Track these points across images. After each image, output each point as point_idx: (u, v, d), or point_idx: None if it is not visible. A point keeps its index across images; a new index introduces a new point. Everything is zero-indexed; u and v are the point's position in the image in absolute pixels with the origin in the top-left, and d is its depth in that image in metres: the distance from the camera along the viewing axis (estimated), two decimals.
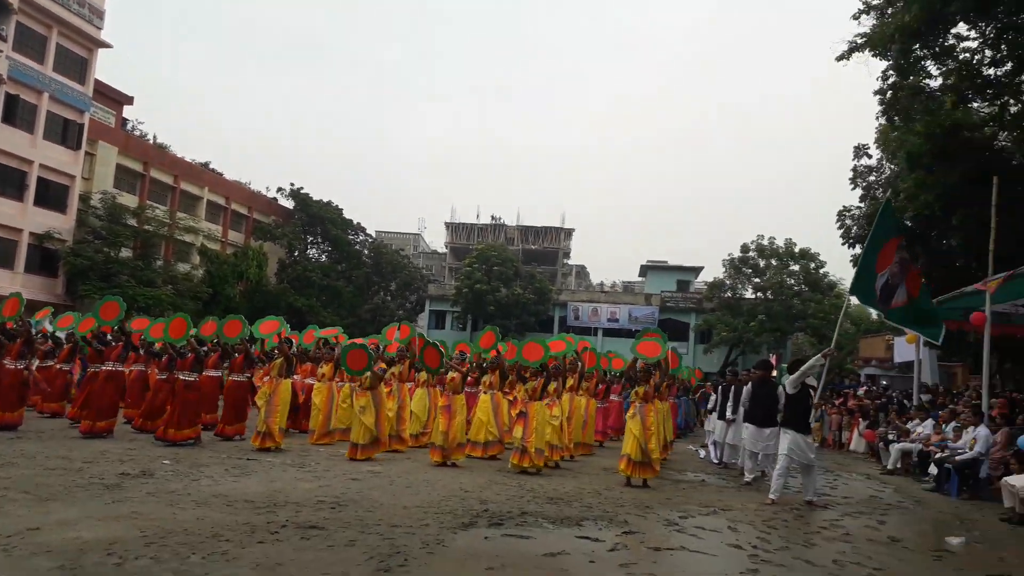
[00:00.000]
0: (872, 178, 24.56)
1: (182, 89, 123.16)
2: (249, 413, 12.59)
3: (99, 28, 33.06)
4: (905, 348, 20.62)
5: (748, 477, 10.87)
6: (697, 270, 55.08)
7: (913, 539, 7.47)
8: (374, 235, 54.14)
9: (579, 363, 13.24)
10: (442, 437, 10.49)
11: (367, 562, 5.25)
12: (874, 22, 18.63)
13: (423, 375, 12.73)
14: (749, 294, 44.74)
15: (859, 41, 18.36)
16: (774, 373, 11.80)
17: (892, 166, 23.40)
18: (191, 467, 8.92)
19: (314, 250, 47.93)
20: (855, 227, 22.53)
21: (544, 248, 62.15)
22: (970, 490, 10.57)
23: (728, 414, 12.60)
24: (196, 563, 4.98)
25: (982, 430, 10.76)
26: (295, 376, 13.04)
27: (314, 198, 46.12)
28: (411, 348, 13.01)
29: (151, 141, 41.92)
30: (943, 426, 12.70)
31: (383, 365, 12.04)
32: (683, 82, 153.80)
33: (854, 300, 13.18)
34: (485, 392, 11.69)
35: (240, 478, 8.45)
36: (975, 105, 19.18)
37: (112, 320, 12.94)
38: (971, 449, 10.74)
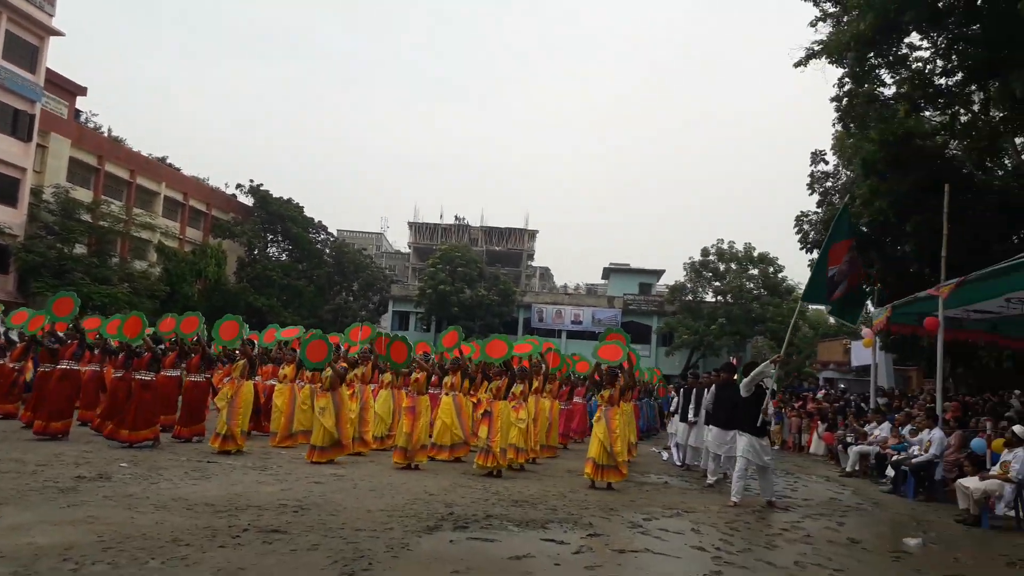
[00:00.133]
0: (829, 184, 24.99)
1: (138, 81, 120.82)
2: (207, 415, 12.39)
3: (50, 15, 32.14)
4: (862, 352, 21.09)
5: (711, 479, 10.98)
6: (659, 273, 55.63)
7: (872, 540, 7.61)
8: (336, 234, 53.69)
9: (543, 364, 13.26)
10: (405, 438, 10.40)
11: (331, 566, 5.18)
12: (830, 30, 19.01)
13: (387, 376, 12.64)
14: (710, 297, 45.33)
15: (816, 48, 18.70)
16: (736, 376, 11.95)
17: (848, 172, 23.85)
18: (150, 470, 8.74)
19: (274, 249, 47.31)
20: (812, 232, 22.93)
21: (508, 249, 62.19)
22: (926, 492, 10.82)
23: (690, 416, 12.71)
24: (155, 568, 4.87)
25: (936, 433, 11.02)
26: (256, 377, 12.85)
27: (274, 195, 45.56)
28: (375, 349, 12.92)
29: (106, 134, 41.00)
30: (899, 429, 12.97)
31: (344, 364, 11.91)
32: (647, 88, 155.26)
33: (813, 306, 13.46)
34: (447, 394, 11.58)
35: (200, 481, 8.29)
36: (927, 114, 19.66)
37: (66, 316, 12.62)
38: (926, 452, 10.98)
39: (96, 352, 13.29)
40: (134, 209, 36.99)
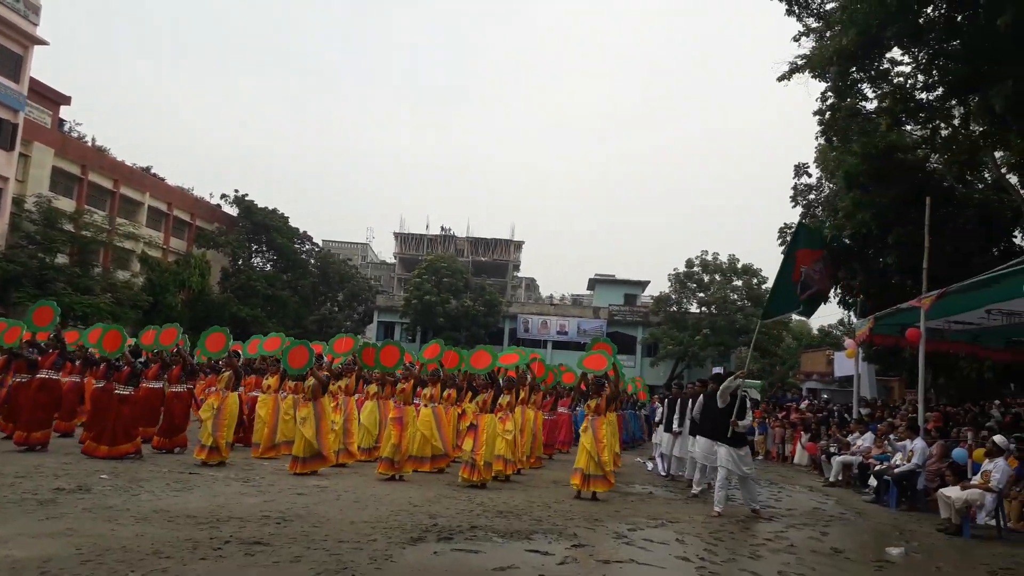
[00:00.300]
0: (812, 196, 25.21)
1: (123, 90, 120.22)
2: (188, 425, 12.28)
3: (35, 24, 31.94)
4: (845, 363, 21.20)
5: (696, 489, 11.00)
6: (644, 284, 55.82)
7: (855, 550, 7.64)
8: (321, 244, 53.52)
9: (528, 375, 13.26)
10: (392, 449, 10.35)
11: None
12: (813, 44, 19.23)
13: (372, 388, 12.59)
14: (694, 308, 45.51)
15: (799, 63, 18.91)
16: None
17: (831, 185, 24.06)
18: (130, 482, 8.64)
19: (259, 259, 47.07)
20: None
21: (494, 260, 62.22)
22: (908, 501, 10.89)
23: (675, 426, 12.74)
24: None
25: (918, 443, 11.09)
26: (240, 388, 12.76)
27: (259, 206, 45.37)
28: (359, 359, 12.88)
29: (89, 143, 40.70)
30: (883, 439, 13.04)
31: (326, 372, 11.84)
32: (634, 103, 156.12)
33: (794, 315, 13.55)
34: (426, 405, 11.45)
35: (182, 493, 8.21)
36: (908, 128, 19.89)
37: (46, 326, 12.49)
38: (908, 462, 11.06)
39: (77, 363, 13.16)
40: (117, 219, 36.72)
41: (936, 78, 17.41)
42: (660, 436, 14.03)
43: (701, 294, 44.88)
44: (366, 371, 13.19)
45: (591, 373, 11.06)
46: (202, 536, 6.13)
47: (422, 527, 7.10)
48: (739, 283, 44.36)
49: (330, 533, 6.57)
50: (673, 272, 45.30)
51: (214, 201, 46.48)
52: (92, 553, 5.39)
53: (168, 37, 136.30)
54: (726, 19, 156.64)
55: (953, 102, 18.05)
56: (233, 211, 45.81)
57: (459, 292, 46.11)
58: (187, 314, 36.74)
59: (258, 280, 43.19)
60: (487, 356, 11.87)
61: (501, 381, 11.24)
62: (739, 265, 44.33)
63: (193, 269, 39.97)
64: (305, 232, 48.38)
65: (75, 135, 40.46)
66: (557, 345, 49.11)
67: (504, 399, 10.77)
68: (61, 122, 38.00)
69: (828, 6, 19.00)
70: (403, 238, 63.36)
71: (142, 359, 12.05)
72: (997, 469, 8.93)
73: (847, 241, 19.65)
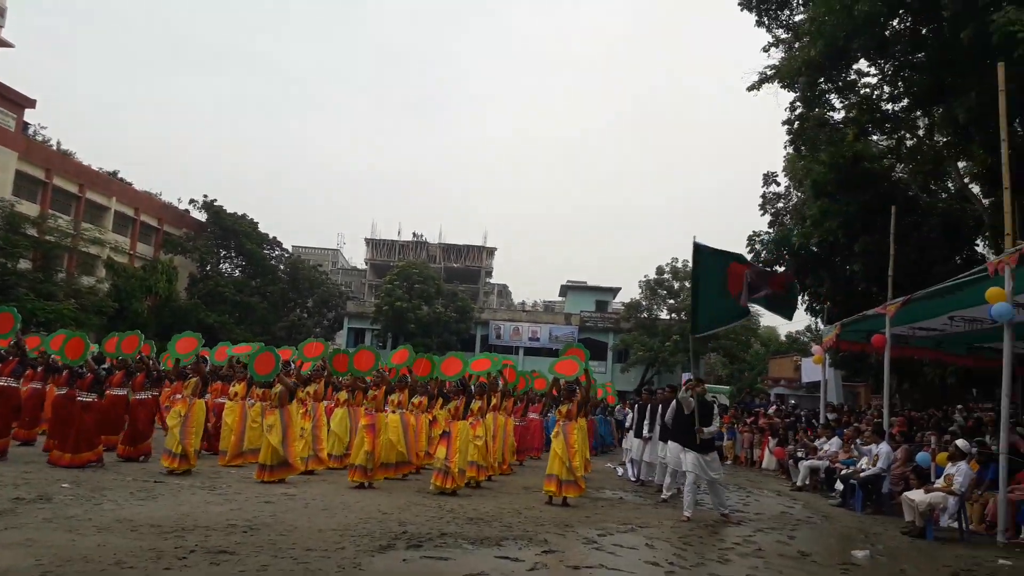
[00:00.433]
0: (780, 205, 25.58)
1: (89, 94, 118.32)
2: (153, 433, 12.09)
3: None
4: (812, 369, 21.48)
5: (665, 494, 11.05)
6: (615, 291, 56.09)
7: (821, 553, 7.72)
8: (291, 250, 53.08)
9: (499, 380, 13.23)
10: (365, 456, 10.25)
11: None
12: (783, 55, 19.53)
13: (342, 395, 12.48)
14: (664, 315, 45.77)
15: (769, 73, 19.20)
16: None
17: (799, 194, 24.42)
18: (93, 491, 8.47)
19: (227, 265, 46.58)
20: (764, 251, 23.36)
21: (466, 266, 62.18)
22: (873, 505, 11.03)
23: (645, 432, 12.79)
24: None
25: (883, 447, 11.26)
26: (207, 395, 12.58)
27: (228, 211, 44.92)
28: (329, 365, 12.77)
29: (55, 147, 39.98)
30: (850, 444, 13.20)
31: (294, 379, 11.70)
32: (605, 110, 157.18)
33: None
34: (393, 411, 11.34)
35: (146, 502, 8.07)
36: (875, 138, 20.29)
37: (6, 333, 12.21)
38: (874, 466, 11.21)
39: (39, 369, 12.89)
40: (83, 224, 36.09)
41: (901, 89, 17.79)
42: (630, 441, 14.07)
43: (671, 301, 45.12)
44: (336, 377, 13.08)
45: (563, 379, 11.08)
46: (166, 546, 6.03)
47: (391, 534, 7.04)
48: None
49: (297, 541, 6.49)
50: (644, 279, 45.57)
51: (182, 206, 46.02)
52: (52, 564, 5.27)
53: (135, 42, 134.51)
54: (698, 30, 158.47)
55: (918, 113, 18.45)
56: (202, 216, 45.37)
57: (431, 298, 45.97)
58: (153, 320, 36.22)
59: (226, 286, 42.76)
60: (458, 362, 11.86)
61: (472, 387, 11.21)
62: None
63: (160, 275, 39.48)
64: (275, 237, 48.06)
65: (40, 139, 39.72)
66: (529, 351, 49.17)
67: (475, 405, 10.74)
68: (26, 125, 37.27)
69: (797, 17, 19.35)
70: (374, 244, 63.10)
71: (105, 366, 11.84)
72: (959, 473, 9.08)
73: (815, 249, 19.94)
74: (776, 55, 20.06)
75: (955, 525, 9.18)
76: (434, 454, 10.73)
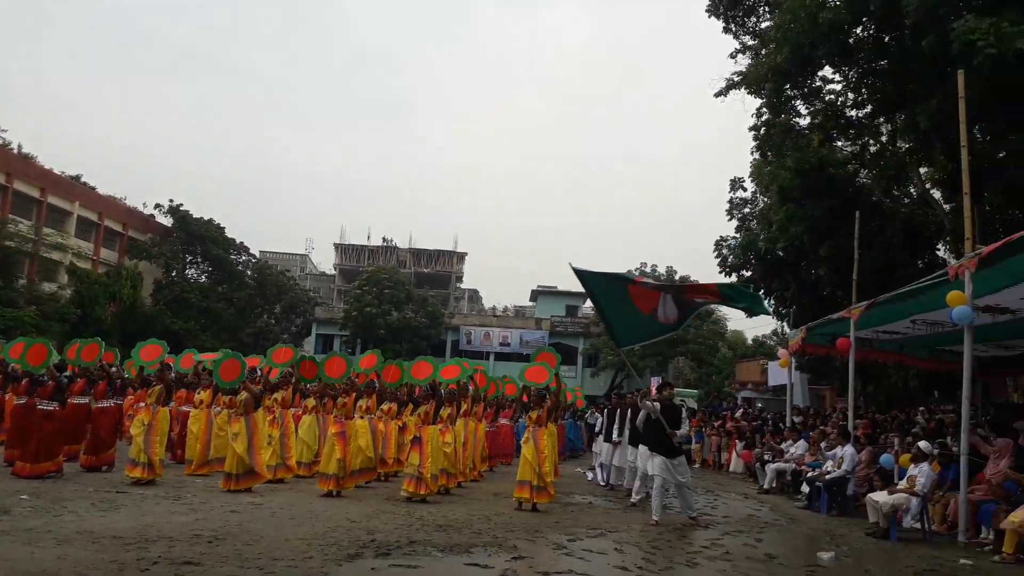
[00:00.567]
0: (747, 210, 25.79)
1: (51, 96, 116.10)
2: (117, 442, 11.85)
3: None
4: (778, 372, 21.64)
5: (634, 498, 11.07)
6: (585, 296, 56.11)
7: (788, 555, 7.79)
8: (258, 255, 52.51)
9: (470, 386, 13.16)
10: (337, 465, 10.11)
11: None
12: (750, 62, 19.78)
13: (310, 401, 12.33)
14: None
15: (736, 79, 19.43)
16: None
17: (765, 199, 24.66)
18: (53, 502, 8.28)
19: (193, 270, 45.92)
20: (731, 256, 23.57)
21: (437, 272, 61.94)
22: (839, 507, 11.16)
23: (614, 436, 12.82)
24: None
25: (848, 449, 11.40)
26: (171, 403, 12.35)
27: (195, 216, 44.31)
28: (297, 371, 12.62)
29: (15, 150, 39.16)
30: (816, 447, 13.35)
31: (260, 386, 11.54)
32: (574, 116, 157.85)
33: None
34: (361, 417, 11.20)
35: (108, 513, 7.90)
36: (839, 144, 20.58)
37: None
38: (839, 468, 11.34)
39: None
40: (44, 229, 35.37)
41: (865, 96, 18.10)
42: (600, 446, 14.10)
43: None
44: (304, 384, 12.93)
45: (533, 386, 11.07)
46: (128, 558, 5.90)
47: (359, 543, 6.97)
48: None
49: (264, 551, 6.40)
50: None
51: (148, 211, 45.33)
52: None
53: (98, 44, 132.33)
54: (666, 37, 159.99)
55: (881, 119, 18.77)
56: (167, 221, 44.68)
57: (401, 304, 45.70)
58: (117, 327, 35.58)
59: (192, 292, 42.14)
60: (428, 366, 11.78)
61: (443, 392, 11.15)
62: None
63: (124, 281, 38.79)
64: (242, 243, 47.47)
65: (0, 142, 38.89)
66: (500, 356, 49.06)
67: (445, 411, 10.68)
68: None
69: (763, 24, 19.61)
70: (343, 249, 62.61)
71: (67, 373, 11.59)
72: (922, 474, 9.22)
73: (780, 254, 20.17)
74: (743, 61, 20.34)
75: (918, 526, 9.32)
76: (406, 460, 10.65)
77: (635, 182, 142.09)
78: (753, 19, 20.28)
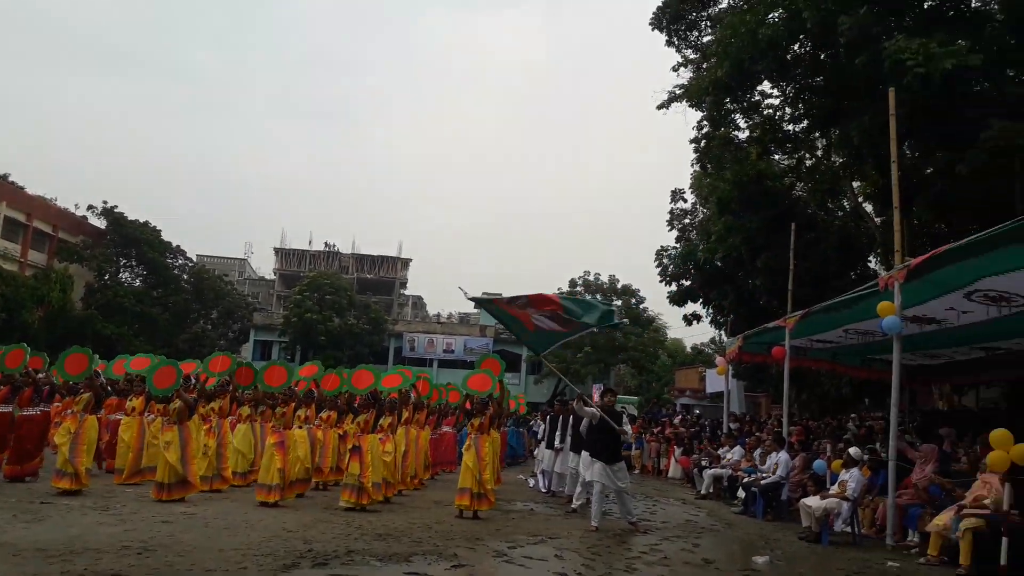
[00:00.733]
0: (687, 221, 26.31)
1: None
2: (43, 452, 11.38)
3: None
4: (716, 379, 22.07)
5: (575, 504, 11.12)
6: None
7: (724, 560, 7.93)
8: (195, 259, 51.29)
9: (412, 394, 13.05)
10: (279, 475, 9.87)
11: None
12: (691, 75, 20.18)
13: (245, 410, 12.03)
14: None
15: (678, 92, 19.80)
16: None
17: (704, 210, 25.19)
18: None
19: (127, 274, 44.65)
20: (671, 266, 23.98)
21: (380, 278, 61.44)
22: (773, 512, 11.41)
23: (556, 443, 12.86)
24: None
25: (783, 455, 11.67)
26: (100, 411, 11.90)
27: (130, 218, 43.12)
28: (234, 379, 12.32)
29: None
30: (751, 453, 13.63)
31: (194, 395, 11.21)
32: (518, 122, 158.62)
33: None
34: (300, 426, 10.95)
35: (31, 524, 7.56)
36: (776, 157, 21.15)
37: None
38: (773, 473, 11.60)
39: None
40: None
41: (802, 111, 18.63)
42: (542, 452, 14.13)
43: None
44: (240, 391, 12.63)
45: (476, 395, 11.03)
46: (51, 571, 5.67)
47: (296, 553, 6.82)
48: (619, 303, 45.56)
49: (196, 562, 6.21)
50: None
51: (80, 212, 43.85)
52: None
53: (27, 38, 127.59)
54: (610, 48, 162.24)
55: (817, 134, 19.34)
56: (101, 223, 43.33)
57: (343, 310, 45.18)
58: (45, 332, 34.26)
59: (126, 296, 40.94)
60: (369, 375, 11.62)
61: (384, 400, 11.02)
62: (619, 285, 45.61)
63: (53, 284, 37.38)
64: (178, 246, 46.37)
65: None
66: (443, 363, 48.90)
67: (385, 420, 10.55)
68: None
69: (705, 39, 20.03)
70: (284, 253, 61.66)
71: None
72: (852, 479, 9.49)
73: (719, 264, 20.59)
74: (685, 75, 20.74)
75: (848, 529, 9.56)
76: (346, 469, 10.47)
77: (578, 191, 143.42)
78: (695, 33, 20.72)
